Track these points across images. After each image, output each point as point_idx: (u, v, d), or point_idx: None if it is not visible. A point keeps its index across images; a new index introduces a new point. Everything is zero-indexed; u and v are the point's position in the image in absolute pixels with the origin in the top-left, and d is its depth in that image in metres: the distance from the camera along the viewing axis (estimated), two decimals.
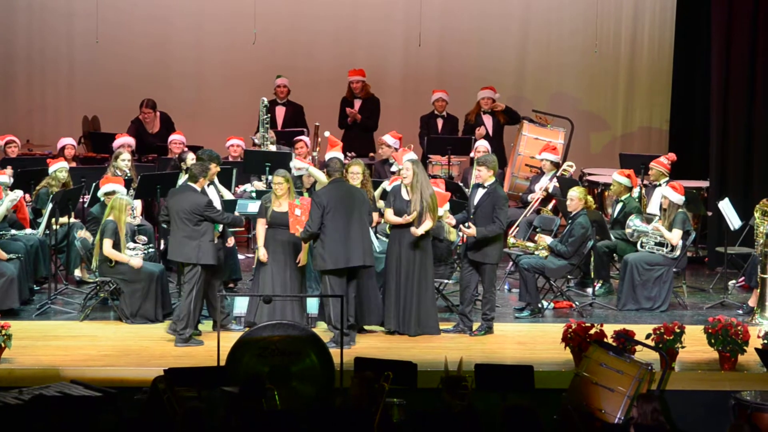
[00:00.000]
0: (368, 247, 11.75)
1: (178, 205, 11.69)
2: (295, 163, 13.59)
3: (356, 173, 12.37)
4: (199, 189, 11.74)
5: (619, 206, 13.94)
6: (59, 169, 13.90)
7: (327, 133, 14.88)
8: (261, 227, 12.09)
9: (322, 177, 12.78)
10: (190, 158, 14.07)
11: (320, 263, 11.62)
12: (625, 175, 14.03)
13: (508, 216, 14.96)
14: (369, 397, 9.03)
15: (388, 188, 12.88)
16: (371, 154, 16.68)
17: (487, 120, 16.62)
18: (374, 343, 11.80)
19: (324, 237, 11.54)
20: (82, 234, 12.97)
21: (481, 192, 12.11)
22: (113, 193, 12.84)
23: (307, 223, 11.61)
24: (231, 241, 12.65)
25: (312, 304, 12.20)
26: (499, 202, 12.05)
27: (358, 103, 16.86)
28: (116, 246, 12.30)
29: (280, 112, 16.63)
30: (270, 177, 13.88)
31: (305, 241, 11.79)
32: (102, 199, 13.05)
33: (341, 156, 14.47)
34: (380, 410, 8.99)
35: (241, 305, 12.30)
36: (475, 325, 12.20)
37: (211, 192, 12.12)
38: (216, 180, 12.61)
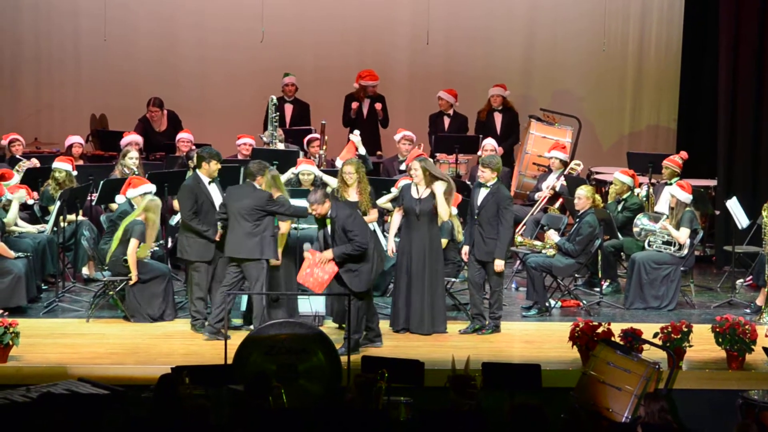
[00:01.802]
0: None
1: (238, 202, 11.69)
2: (304, 168, 13.58)
3: (350, 173, 12.31)
4: (258, 186, 11.76)
5: (619, 206, 13.93)
6: (55, 169, 13.83)
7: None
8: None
9: (333, 183, 12.79)
10: None
11: (365, 284, 11.50)
12: (629, 174, 14.02)
13: (515, 214, 15.02)
14: (368, 400, 9.03)
15: (395, 190, 12.88)
16: (378, 152, 16.67)
17: (498, 118, 16.61)
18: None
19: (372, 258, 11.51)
20: None
21: (484, 192, 12.07)
22: (147, 193, 12.83)
23: (361, 241, 11.30)
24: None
25: (317, 302, 12.19)
26: (503, 202, 12.01)
27: (366, 102, 16.84)
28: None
29: (288, 110, 16.64)
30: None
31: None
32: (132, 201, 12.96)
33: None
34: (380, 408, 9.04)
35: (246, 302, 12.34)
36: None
37: (213, 190, 12.10)
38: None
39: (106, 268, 12.49)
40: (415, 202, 12.06)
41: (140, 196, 12.69)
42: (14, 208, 13.03)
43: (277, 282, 12.01)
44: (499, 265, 11.95)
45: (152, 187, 12.83)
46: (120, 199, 12.99)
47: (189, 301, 12.20)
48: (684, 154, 14.70)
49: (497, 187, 12.06)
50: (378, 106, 16.68)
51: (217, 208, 12.00)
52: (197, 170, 12.11)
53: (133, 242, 12.24)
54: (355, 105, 16.65)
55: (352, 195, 12.28)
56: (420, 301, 12.02)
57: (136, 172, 14.09)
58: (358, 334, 11.41)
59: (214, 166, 12.04)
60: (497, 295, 12.11)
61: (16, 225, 13.27)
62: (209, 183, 12.05)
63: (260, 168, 11.83)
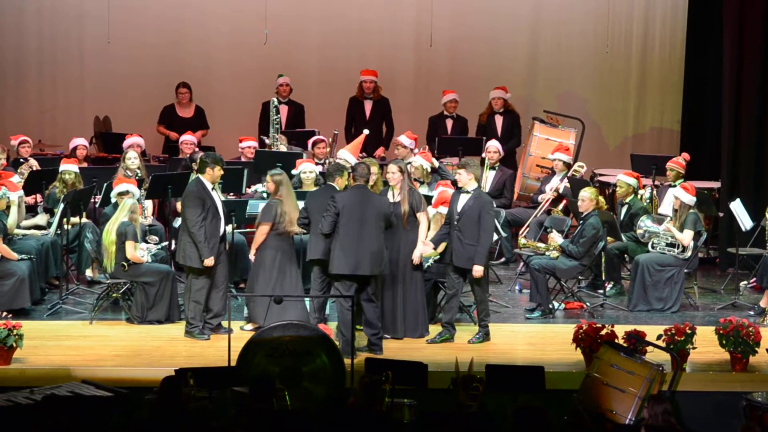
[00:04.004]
0: (380, 256, 11.56)
1: (323, 205, 11.71)
2: (306, 167, 13.62)
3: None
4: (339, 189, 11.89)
5: (624, 209, 13.93)
6: (64, 171, 13.87)
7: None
8: (262, 230, 12.10)
9: None
10: None
11: (330, 266, 11.59)
12: (633, 176, 14.02)
13: (518, 216, 15.05)
14: (373, 401, 9.04)
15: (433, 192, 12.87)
16: (381, 154, 16.66)
17: (498, 120, 16.59)
18: (385, 344, 11.78)
19: (335, 242, 11.51)
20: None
21: (465, 197, 11.83)
22: (127, 192, 12.84)
23: (321, 227, 11.60)
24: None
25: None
26: (485, 207, 11.80)
27: (369, 104, 16.83)
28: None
29: (283, 111, 16.53)
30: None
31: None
32: (115, 200, 13.04)
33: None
34: (384, 409, 9.05)
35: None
36: (470, 331, 12.08)
37: (215, 195, 12.06)
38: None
39: (109, 276, 12.49)
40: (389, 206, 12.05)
41: (118, 194, 12.76)
42: (13, 211, 13.01)
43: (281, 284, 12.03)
44: (478, 270, 11.71)
45: (128, 186, 12.82)
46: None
47: (185, 307, 12.12)
48: (686, 155, 14.70)
49: (479, 193, 11.86)
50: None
51: (221, 214, 11.98)
52: (200, 175, 12.05)
53: (130, 244, 12.28)
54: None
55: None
56: (392, 304, 11.97)
57: (139, 174, 14.10)
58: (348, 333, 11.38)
59: (218, 171, 11.98)
60: (484, 305, 11.96)
61: (18, 227, 13.27)
62: (212, 189, 12.03)
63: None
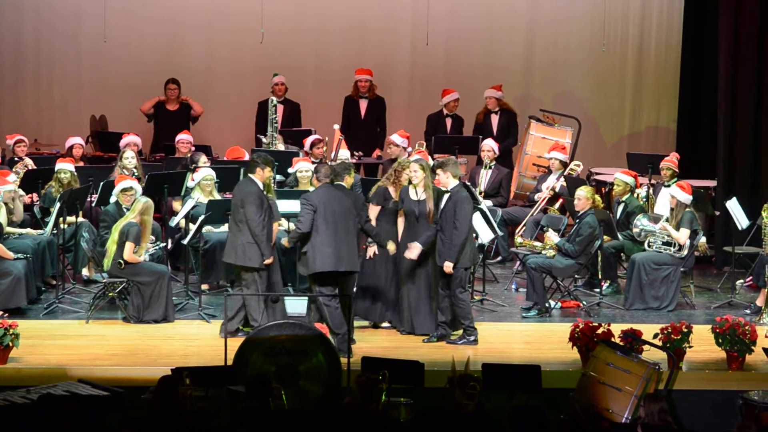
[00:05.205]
0: (356, 252, 11.63)
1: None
2: (302, 166, 13.64)
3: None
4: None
5: (620, 207, 13.93)
6: (59, 170, 13.86)
7: (336, 126, 14.96)
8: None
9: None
10: (203, 161, 14.09)
11: (310, 266, 11.54)
12: (631, 175, 14.03)
13: (514, 215, 15.05)
14: (369, 400, 9.04)
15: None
16: (377, 154, 16.67)
17: (494, 119, 16.58)
18: (381, 343, 11.81)
19: (314, 240, 11.48)
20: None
21: (445, 197, 11.81)
22: (130, 189, 12.81)
23: (297, 224, 11.60)
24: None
25: (299, 305, 12.14)
26: (459, 204, 11.74)
27: (364, 104, 16.83)
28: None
29: (279, 110, 16.50)
30: (278, 176, 13.90)
31: (293, 242, 11.78)
32: (116, 198, 13.00)
33: (348, 154, 14.48)
34: (381, 408, 9.04)
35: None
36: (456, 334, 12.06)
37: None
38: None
39: (105, 272, 12.48)
40: (414, 204, 12.02)
41: (122, 192, 12.78)
42: (3, 210, 12.99)
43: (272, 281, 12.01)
44: (447, 266, 11.66)
45: (131, 183, 12.81)
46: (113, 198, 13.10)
47: (248, 307, 11.86)
48: (676, 154, 14.74)
49: (456, 190, 11.81)
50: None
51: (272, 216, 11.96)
52: (251, 175, 11.95)
53: (129, 245, 12.26)
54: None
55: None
56: (416, 300, 11.96)
57: (135, 173, 14.10)
58: (341, 330, 11.36)
59: (268, 172, 11.93)
60: (464, 309, 11.82)
61: (12, 225, 13.25)
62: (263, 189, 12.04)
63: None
